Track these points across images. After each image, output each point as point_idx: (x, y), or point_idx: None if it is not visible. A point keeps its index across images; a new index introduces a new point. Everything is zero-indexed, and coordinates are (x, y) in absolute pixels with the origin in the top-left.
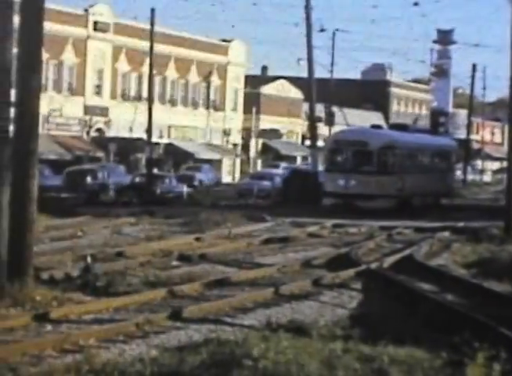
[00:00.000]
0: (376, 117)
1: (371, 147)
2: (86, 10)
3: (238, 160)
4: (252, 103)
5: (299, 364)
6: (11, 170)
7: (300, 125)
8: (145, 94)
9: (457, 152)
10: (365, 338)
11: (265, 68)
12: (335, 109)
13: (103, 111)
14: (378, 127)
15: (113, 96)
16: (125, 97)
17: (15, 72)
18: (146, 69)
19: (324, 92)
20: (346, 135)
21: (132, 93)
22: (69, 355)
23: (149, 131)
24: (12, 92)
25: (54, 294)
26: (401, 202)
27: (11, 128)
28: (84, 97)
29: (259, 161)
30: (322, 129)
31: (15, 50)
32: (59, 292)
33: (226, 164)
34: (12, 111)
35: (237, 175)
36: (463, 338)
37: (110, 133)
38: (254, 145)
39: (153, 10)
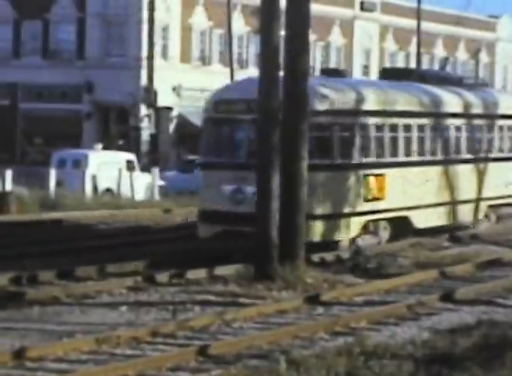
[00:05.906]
0: None
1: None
2: None
3: None
4: None
5: None
6: (280, 152)
7: None
8: None
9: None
10: None
11: None
12: None
13: None
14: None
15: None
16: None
17: (282, 54)
18: (413, 48)
19: None
20: (239, 93)
21: None
22: (340, 337)
23: None
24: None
25: (325, 276)
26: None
27: None
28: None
29: None
30: None
31: (282, 33)
32: (329, 274)
33: None
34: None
35: None
36: None
37: None
38: None
39: None
